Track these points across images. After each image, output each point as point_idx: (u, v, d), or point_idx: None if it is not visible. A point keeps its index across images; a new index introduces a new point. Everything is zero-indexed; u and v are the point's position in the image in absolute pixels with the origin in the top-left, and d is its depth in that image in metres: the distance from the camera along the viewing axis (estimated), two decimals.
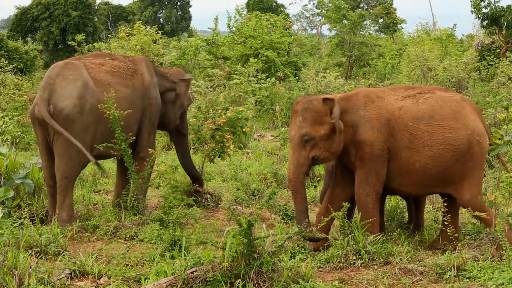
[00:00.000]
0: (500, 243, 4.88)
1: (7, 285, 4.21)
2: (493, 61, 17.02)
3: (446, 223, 5.41)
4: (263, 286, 4.42)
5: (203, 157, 7.43)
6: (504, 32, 18.09)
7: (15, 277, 4.24)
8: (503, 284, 4.52)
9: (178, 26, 44.29)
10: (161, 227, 5.58)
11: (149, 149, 6.38)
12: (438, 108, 5.52)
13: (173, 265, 4.71)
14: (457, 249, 5.05)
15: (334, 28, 22.20)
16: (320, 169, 8.35)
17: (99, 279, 4.69)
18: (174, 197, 5.95)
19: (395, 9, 34.46)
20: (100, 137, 6.06)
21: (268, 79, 15.14)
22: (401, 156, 5.49)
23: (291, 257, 5.00)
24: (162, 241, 5.31)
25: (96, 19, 35.07)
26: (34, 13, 32.14)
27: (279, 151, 9.94)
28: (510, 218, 5.22)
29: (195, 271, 4.47)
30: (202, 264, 4.55)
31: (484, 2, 17.95)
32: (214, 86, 14.23)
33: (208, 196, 7.32)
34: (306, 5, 49.03)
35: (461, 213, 6.76)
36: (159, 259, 5.04)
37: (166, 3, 44.95)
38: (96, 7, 36.48)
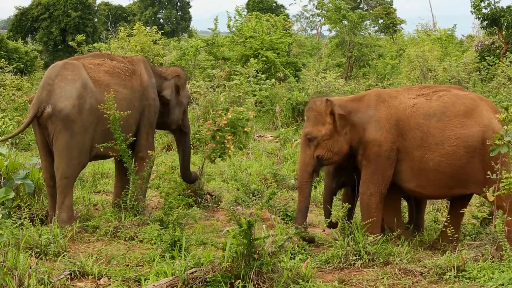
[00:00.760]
0: (500, 243, 4.88)
1: (7, 286, 4.21)
2: (493, 62, 17.03)
3: (446, 223, 5.41)
4: (263, 286, 4.42)
5: (203, 158, 7.43)
6: (504, 32, 18.09)
7: (15, 278, 4.24)
8: (503, 284, 4.52)
9: (178, 27, 44.30)
10: (161, 227, 5.58)
11: (148, 151, 6.38)
12: (451, 104, 5.46)
13: (173, 265, 4.70)
14: (457, 249, 5.05)
15: (334, 29, 22.22)
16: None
17: (99, 279, 4.69)
18: (174, 197, 5.94)
19: (395, 10, 34.51)
20: (99, 138, 6.06)
21: (268, 80, 15.15)
22: (414, 156, 5.45)
23: (291, 257, 5.01)
24: (162, 242, 5.31)
25: (96, 20, 35.10)
26: (34, 13, 32.14)
27: (279, 151, 9.95)
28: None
29: (195, 271, 4.47)
30: (202, 265, 4.55)
31: (484, 3, 17.96)
32: (214, 87, 14.24)
33: (208, 196, 7.32)
34: (306, 5, 49.17)
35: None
36: (159, 259, 5.03)
37: (166, 3, 44.97)
38: (96, 8, 36.52)
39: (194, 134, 7.61)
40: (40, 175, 6.46)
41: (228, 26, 18.94)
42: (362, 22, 21.36)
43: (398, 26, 33.64)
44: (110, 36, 24.67)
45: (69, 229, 5.73)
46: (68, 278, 4.61)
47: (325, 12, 22.87)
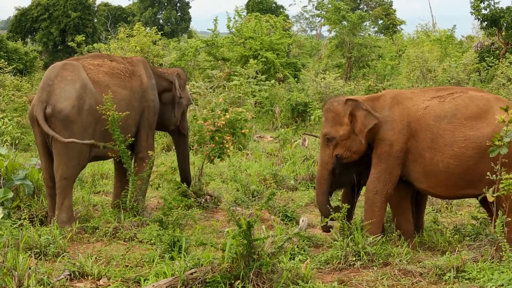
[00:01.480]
0: (500, 244, 4.88)
1: (6, 286, 4.21)
2: (493, 62, 17.04)
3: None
4: (263, 287, 4.41)
5: (202, 158, 7.43)
6: (503, 33, 18.10)
7: (15, 278, 4.24)
8: (502, 285, 4.52)
9: (178, 27, 44.30)
10: (161, 228, 5.58)
11: (148, 152, 6.38)
12: (463, 106, 5.47)
13: (173, 266, 4.70)
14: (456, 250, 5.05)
15: (334, 29, 22.25)
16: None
17: (98, 280, 4.69)
18: (173, 198, 5.94)
19: (394, 10, 34.55)
20: (98, 138, 6.05)
21: (267, 81, 15.15)
22: (425, 157, 5.49)
23: (290, 258, 5.01)
24: (161, 242, 5.31)
25: (95, 20, 35.10)
26: (34, 14, 32.15)
27: (279, 152, 9.95)
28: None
29: (194, 272, 4.47)
30: (201, 265, 4.55)
31: (483, 4, 17.97)
32: (214, 87, 14.24)
33: (208, 197, 7.31)
34: (306, 6, 49.17)
35: (461, 214, 6.78)
36: (159, 260, 5.03)
37: (165, 4, 44.97)
38: (96, 8, 36.50)
39: (193, 135, 7.61)
40: (40, 175, 6.46)
41: (228, 26, 18.95)
42: (362, 23, 21.39)
43: (398, 27, 33.68)
44: (109, 36, 24.66)
45: (68, 229, 5.73)
46: (67, 279, 4.61)
47: (324, 13, 22.89)
